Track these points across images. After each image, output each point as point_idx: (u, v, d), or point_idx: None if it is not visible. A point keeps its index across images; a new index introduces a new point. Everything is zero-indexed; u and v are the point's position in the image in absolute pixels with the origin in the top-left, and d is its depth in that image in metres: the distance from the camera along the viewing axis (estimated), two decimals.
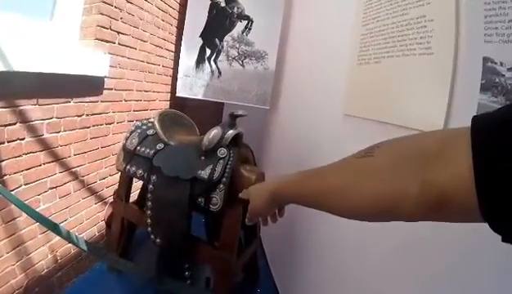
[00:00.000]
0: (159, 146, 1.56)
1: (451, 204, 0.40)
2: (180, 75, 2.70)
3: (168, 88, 2.73)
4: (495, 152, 0.35)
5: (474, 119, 0.40)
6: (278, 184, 0.73)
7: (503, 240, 0.36)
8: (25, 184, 1.46)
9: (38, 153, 1.51)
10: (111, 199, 2.01)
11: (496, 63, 0.75)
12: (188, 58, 2.70)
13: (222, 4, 2.69)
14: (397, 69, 1.15)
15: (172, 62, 2.73)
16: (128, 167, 1.61)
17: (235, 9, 2.68)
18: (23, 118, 1.40)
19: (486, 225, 0.36)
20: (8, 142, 1.35)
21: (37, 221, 1.22)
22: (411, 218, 0.47)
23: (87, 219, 1.93)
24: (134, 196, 1.88)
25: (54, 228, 1.19)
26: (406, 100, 1.09)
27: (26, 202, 1.41)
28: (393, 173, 0.47)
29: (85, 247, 1.18)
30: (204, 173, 1.42)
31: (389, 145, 0.52)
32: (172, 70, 2.74)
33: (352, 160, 0.55)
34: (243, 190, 0.88)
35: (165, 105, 2.70)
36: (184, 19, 2.68)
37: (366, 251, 1.17)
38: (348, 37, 1.47)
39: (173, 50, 2.72)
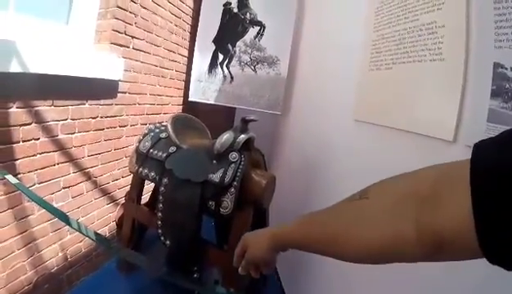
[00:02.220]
0: (172, 149, 1.58)
1: (449, 245, 0.41)
2: (193, 80, 2.73)
3: (181, 93, 2.76)
4: (496, 196, 0.35)
5: (473, 158, 0.39)
6: (278, 231, 0.71)
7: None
8: (39, 183, 1.49)
9: (52, 153, 1.53)
10: (123, 201, 2.04)
11: (506, 68, 0.75)
12: (201, 63, 2.73)
13: (235, 10, 2.71)
14: (408, 75, 1.15)
15: (185, 67, 2.76)
16: (141, 169, 1.63)
17: (248, 15, 2.70)
18: (38, 119, 1.43)
19: None
20: (23, 141, 1.38)
21: (49, 212, 1.23)
22: (413, 260, 0.47)
23: (99, 219, 1.96)
24: (145, 199, 1.90)
25: (65, 219, 1.21)
26: (417, 105, 1.09)
27: None
28: (389, 217, 0.47)
29: (93, 237, 1.19)
30: (216, 177, 1.43)
31: (383, 187, 0.52)
32: (184, 75, 2.77)
33: (348, 204, 0.56)
34: (240, 240, 0.82)
35: (178, 110, 2.72)
36: (197, 24, 2.71)
37: None
38: (360, 43, 1.47)
39: (186, 55, 2.75)
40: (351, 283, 1.31)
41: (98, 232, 1.52)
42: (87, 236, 1.20)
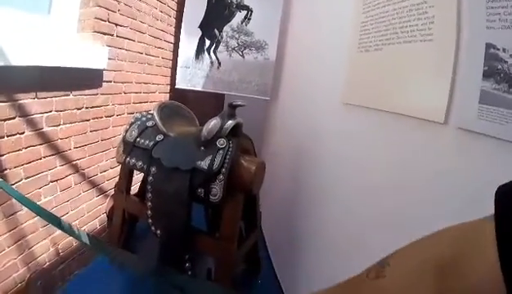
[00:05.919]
0: (159, 138, 1.56)
1: None
2: (179, 66, 2.68)
3: (168, 80, 2.72)
4: None
5: (497, 206, 0.37)
6: None
7: None
8: (26, 178, 1.46)
9: (38, 146, 1.50)
10: (112, 192, 2.01)
11: (498, 49, 0.74)
12: (187, 49, 2.68)
13: None
14: (397, 57, 1.13)
15: (172, 53, 2.71)
16: (128, 159, 1.60)
17: None
18: (22, 112, 1.40)
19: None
20: (8, 136, 1.35)
21: (39, 215, 1.22)
22: None
23: (89, 212, 1.93)
24: (135, 189, 1.88)
25: (57, 222, 1.19)
26: (408, 87, 1.08)
27: (28, 195, 1.42)
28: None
29: (87, 241, 1.18)
30: (204, 164, 1.42)
31: (400, 259, 0.50)
32: (171, 62, 2.72)
33: (365, 283, 0.53)
34: None
35: (165, 97, 2.68)
36: (183, 9, 2.64)
37: (365, 241, 1.17)
38: (348, 25, 1.45)
39: (172, 41, 2.70)
40: (347, 269, 1.31)
41: (90, 234, 1.50)
42: (80, 240, 1.18)
